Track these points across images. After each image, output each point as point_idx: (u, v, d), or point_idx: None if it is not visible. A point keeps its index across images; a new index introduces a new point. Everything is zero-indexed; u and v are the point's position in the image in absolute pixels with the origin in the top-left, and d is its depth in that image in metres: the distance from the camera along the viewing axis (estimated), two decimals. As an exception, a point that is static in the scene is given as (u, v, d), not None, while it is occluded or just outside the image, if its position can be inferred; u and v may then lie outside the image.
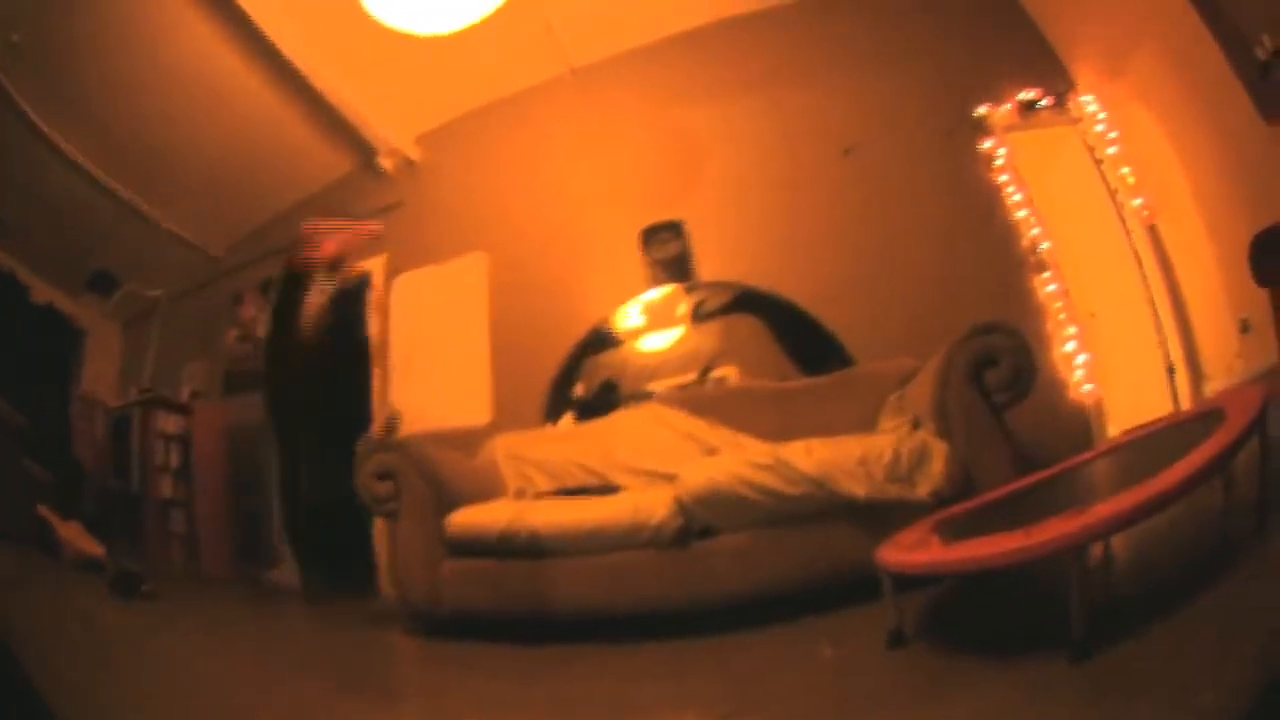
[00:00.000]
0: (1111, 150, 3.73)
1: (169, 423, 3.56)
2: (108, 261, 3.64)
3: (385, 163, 3.43)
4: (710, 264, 3.18)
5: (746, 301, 3.03)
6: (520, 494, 2.66)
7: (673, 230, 3.13)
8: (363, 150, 3.40)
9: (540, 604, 2.32)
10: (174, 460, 3.53)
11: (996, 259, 3.33)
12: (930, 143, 3.39)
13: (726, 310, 3.01)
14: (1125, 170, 3.70)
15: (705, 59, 3.42)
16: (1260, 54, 2.92)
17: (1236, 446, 1.61)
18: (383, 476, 2.58)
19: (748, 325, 2.99)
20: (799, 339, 2.97)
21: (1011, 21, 3.76)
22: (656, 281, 3.13)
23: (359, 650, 2.63)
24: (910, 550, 1.77)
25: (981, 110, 3.57)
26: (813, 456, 2.17)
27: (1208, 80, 3.20)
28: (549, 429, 3.08)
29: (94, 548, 2.97)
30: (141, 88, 3.20)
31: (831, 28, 3.60)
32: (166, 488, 3.48)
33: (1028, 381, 2.29)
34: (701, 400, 2.82)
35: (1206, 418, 1.88)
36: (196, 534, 3.45)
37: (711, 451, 2.56)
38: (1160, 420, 2.25)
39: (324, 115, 3.27)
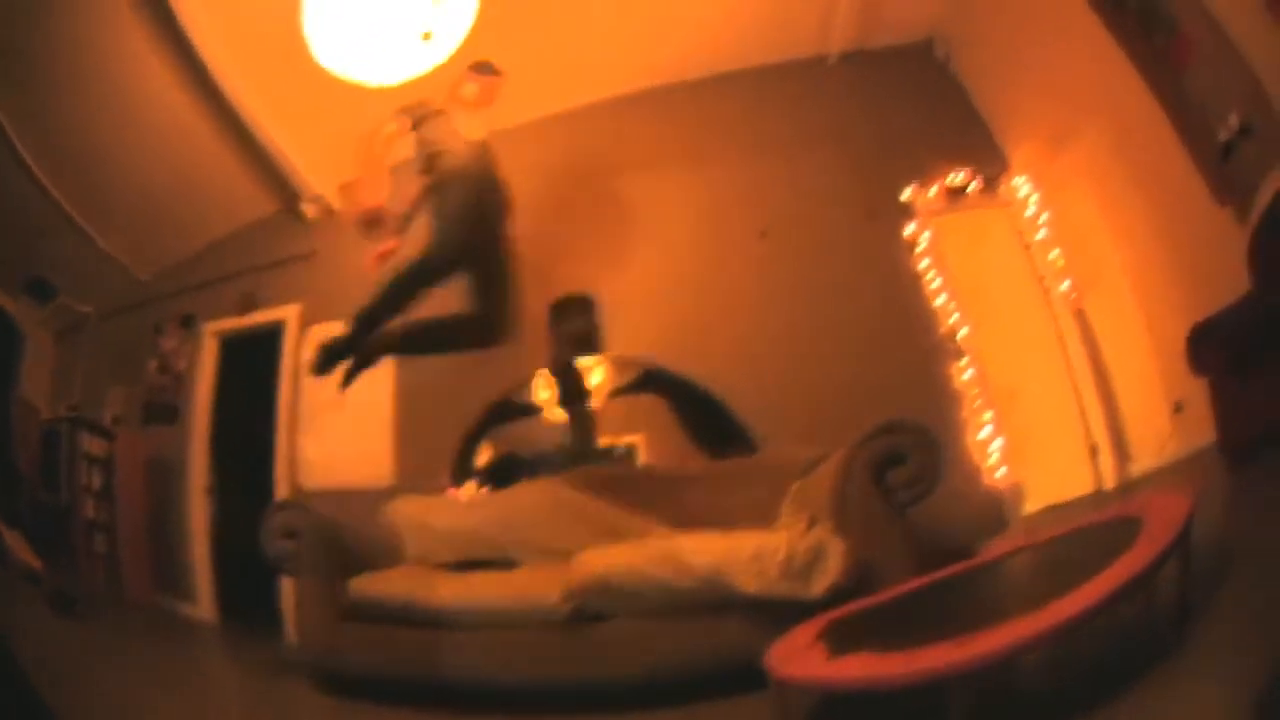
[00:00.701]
0: (1041, 234, 3.73)
1: (93, 444, 3.52)
2: (46, 269, 3.58)
3: (308, 209, 3.40)
4: (620, 339, 3.15)
5: (654, 380, 3.00)
6: (420, 561, 2.62)
7: (583, 305, 3.09)
8: (288, 194, 3.37)
9: (436, 672, 2.30)
10: (96, 482, 3.48)
11: (912, 346, 3.30)
12: (852, 226, 3.37)
13: (634, 388, 2.98)
14: (1055, 253, 3.70)
15: (631, 127, 3.39)
16: (1223, 134, 2.93)
17: (1156, 566, 1.57)
18: (286, 534, 2.55)
19: (654, 405, 2.96)
20: (705, 422, 2.95)
21: (948, 101, 3.82)
22: (565, 355, 3.09)
23: (258, 698, 2.63)
24: (797, 657, 1.75)
25: (907, 193, 3.57)
26: (705, 551, 2.14)
27: (1156, 161, 3.20)
28: (451, 495, 3.04)
29: (33, 560, 2.94)
30: (86, 101, 3.15)
31: (761, 105, 3.58)
32: (90, 508, 3.44)
33: (932, 480, 2.25)
34: (603, 480, 2.76)
35: (1123, 525, 1.84)
36: (118, 557, 3.41)
37: (609, 533, 2.50)
38: (1075, 521, 2.22)
39: (255, 154, 3.23)
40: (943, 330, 3.30)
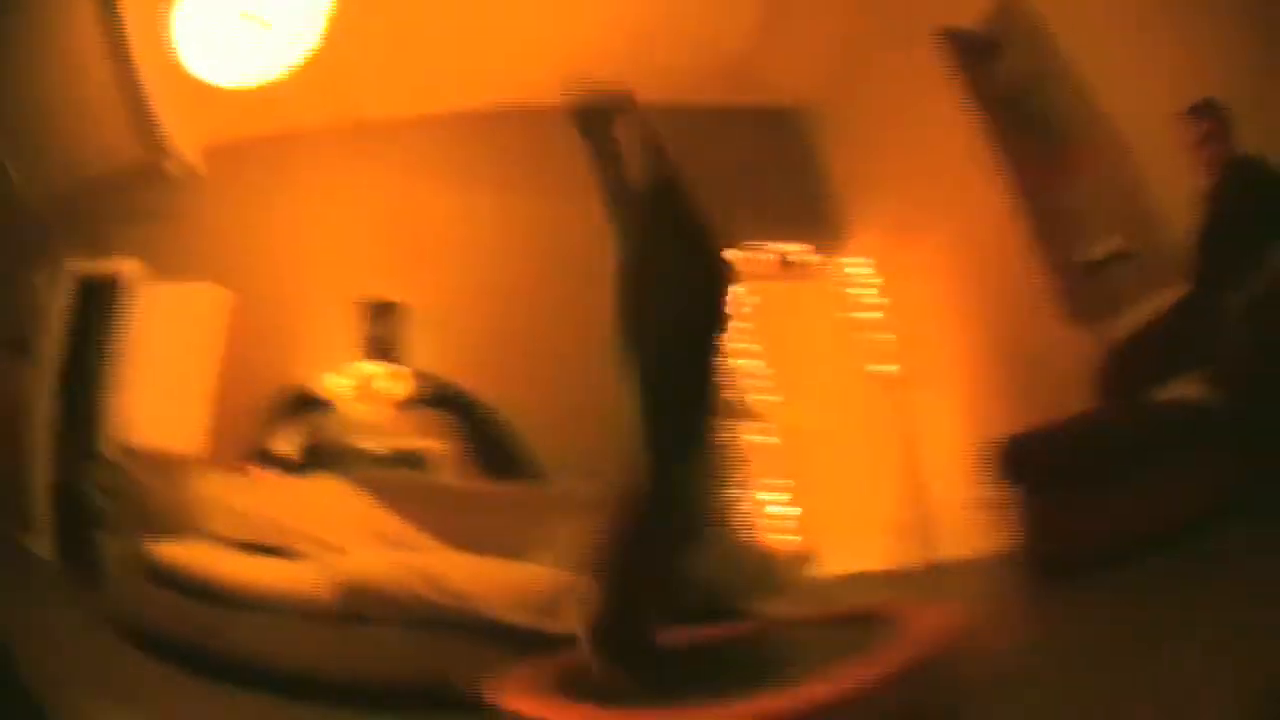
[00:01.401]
0: (873, 316, 3.77)
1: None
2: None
3: (171, 165, 3.33)
4: (420, 352, 3.19)
5: (447, 397, 3.06)
6: (218, 536, 2.67)
7: (388, 310, 3.11)
8: (157, 146, 3.26)
9: (218, 645, 2.38)
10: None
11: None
12: None
13: (427, 401, 3.02)
14: (885, 337, 3.74)
15: (463, 142, 3.37)
16: (1098, 251, 2.96)
17: (898, 677, 1.55)
18: (102, 490, 2.61)
19: (445, 420, 3.01)
20: (492, 444, 3.00)
21: (802, 169, 3.82)
22: (368, 356, 3.14)
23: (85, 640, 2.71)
24: (527, 692, 1.83)
25: (739, 255, 3.53)
26: (464, 572, 2.23)
27: (1006, 264, 3.25)
28: (252, 475, 3.08)
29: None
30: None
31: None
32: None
33: (694, 531, 2.26)
34: (388, 485, 2.82)
35: (879, 624, 1.86)
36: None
37: (383, 539, 2.58)
38: (832, 608, 2.30)
39: (140, 101, 3.14)
40: (742, 391, 3.35)
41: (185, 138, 3.17)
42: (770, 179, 3.79)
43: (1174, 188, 2.68)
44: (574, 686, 1.81)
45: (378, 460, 3.05)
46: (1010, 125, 3.23)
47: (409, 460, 3.08)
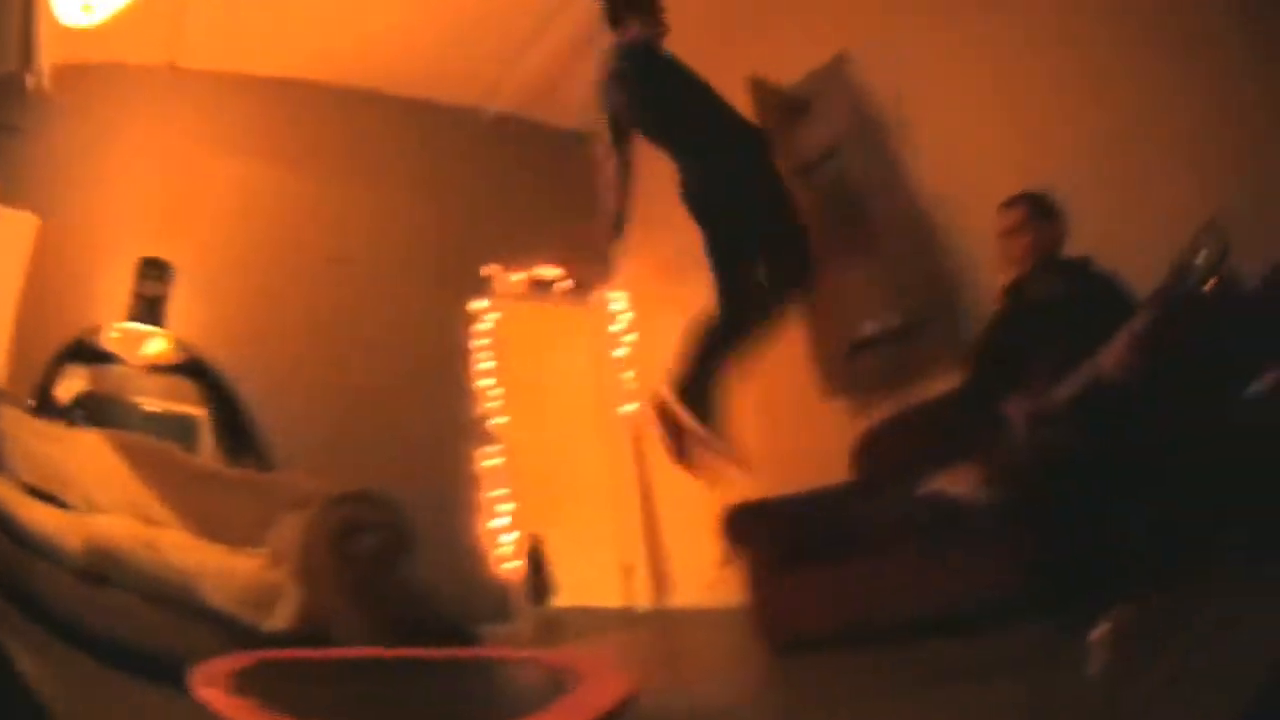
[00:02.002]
0: (621, 351, 3.75)
1: None
2: None
3: (31, 79, 3.11)
4: (183, 319, 3.08)
5: (198, 368, 3.03)
6: (10, 474, 2.64)
7: (161, 270, 3.03)
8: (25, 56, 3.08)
9: (17, 583, 2.36)
10: None
11: (445, 417, 3.33)
12: (423, 280, 3.36)
13: (179, 369, 2.97)
14: (629, 374, 3.74)
15: (270, 112, 3.29)
16: (869, 328, 2.90)
17: None
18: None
19: (193, 391, 2.98)
20: (230, 424, 2.99)
21: (579, 193, 3.59)
22: (136, 314, 3.05)
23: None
24: (213, 680, 1.94)
25: (491, 269, 3.55)
26: (186, 552, 2.34)
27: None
28: (40, 419, 3.00)
29: None
30: None
31: (402, 134, 3.50)
32: None
33: (392, 558, 2.40)
34: (142, 452, 2.77)
35: (563, 674, 1.93)
36: None
37: (129, 504, 2.58)
38: (525, 652, 2.33)
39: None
40: (481, 412, 3.35)
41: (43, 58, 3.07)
42: (543, 196, 3.73)
43: (969, 276, 2.62)
44: (250, 684, 1.91)
45: (149, 419, 3.05)
46: (804, 189, 3.05)
47: (179, 424, 3.05)
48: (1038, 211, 2.11)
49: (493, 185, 3.73)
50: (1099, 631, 1.49)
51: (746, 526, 2.66)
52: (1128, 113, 2.40)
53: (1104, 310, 1.85)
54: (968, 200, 2.37)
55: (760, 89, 3.10)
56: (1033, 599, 1.80)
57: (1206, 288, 1.57)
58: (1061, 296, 2.02)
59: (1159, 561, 1.63)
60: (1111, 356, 1.73)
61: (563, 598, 4.00)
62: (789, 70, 3.12)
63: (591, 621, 3.60)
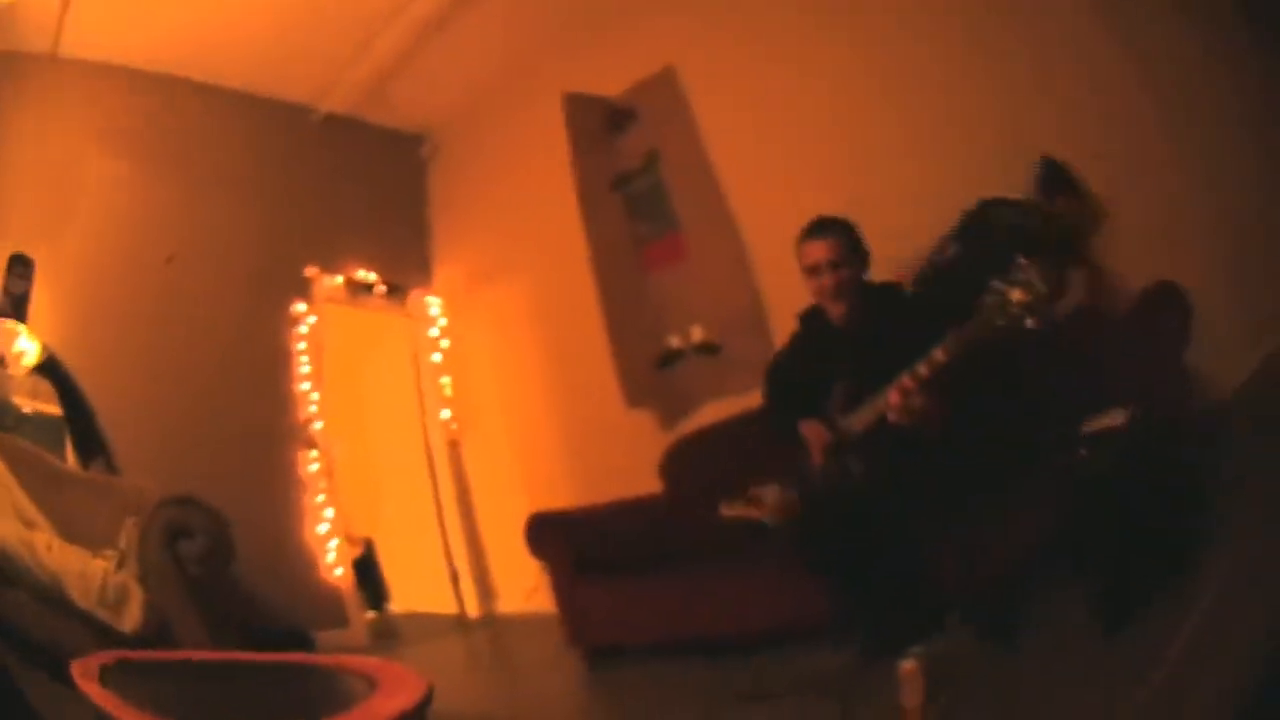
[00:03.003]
0: (436, 358, 3.77)
1: None
2: None
3: None
4: (43, 316, 2.94)
5: (50, 369, 2.89)
6: None
7: (26, 267, 3.00)
8: None
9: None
10: None
11: (276, 421, 3.33)
12: (246, 280, 3.37)
13: (41, 369, 2.96)
14: (445, 380, 3.77)
15: (136, 109, 3.22)
16: (676, 341, 2.97)
17: None
18: None
19: (48, 391, 2.98)
20: (78, 426, 2.86)
21: (403, 197, 3.85)
22: (5, 312, 2.88)
23: None
24: (84, 678, 2.00)
25: (312, 271, 3.54)
26: (54, 553, 2.31)
27: (572, 336, 3.26)
28: None
29: None
30: None
31: (226, 130, 3.46)
32: None
33: (219, 562, 2.42)
34: (16, 454, 2.66)
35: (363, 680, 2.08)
36: None
37: (15, 508, 2.51)
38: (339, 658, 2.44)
39: None
40: (301, 416, 3.37)
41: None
42: (369, 199, 3.77)
43: (780, 293, 2.63)
44: (118, 683, 1.98)
45: (23, 420, 2.95)
46: (619, 199, 3.16)
47: (51, 425, 2.90)
48: (845, 245, 2.03)
49: (321, 185, 3.70)
50: (907, 665, 1.53)
51: (547, 536, 2.66)
52: (938, 133, 2.50)
53: (910, 337, 1.79)
54: (781, 218, 2.24)
55: (574, 104, 3.15)
56: (830, 624, 1.87)
57: (1029, 324, 1.55)
58: (866, 323, 2.00)
59: (959, 594, 1.69)
60: (890, 398, 1.72)
61: (397, 603, 4.08)
62: (619, 83, 3.17)
63: (423, 627, 3.65)
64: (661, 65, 3.07)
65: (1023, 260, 1.59)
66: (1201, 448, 1.78)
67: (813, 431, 2.00)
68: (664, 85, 3.04)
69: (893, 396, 1.75)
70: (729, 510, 2.15)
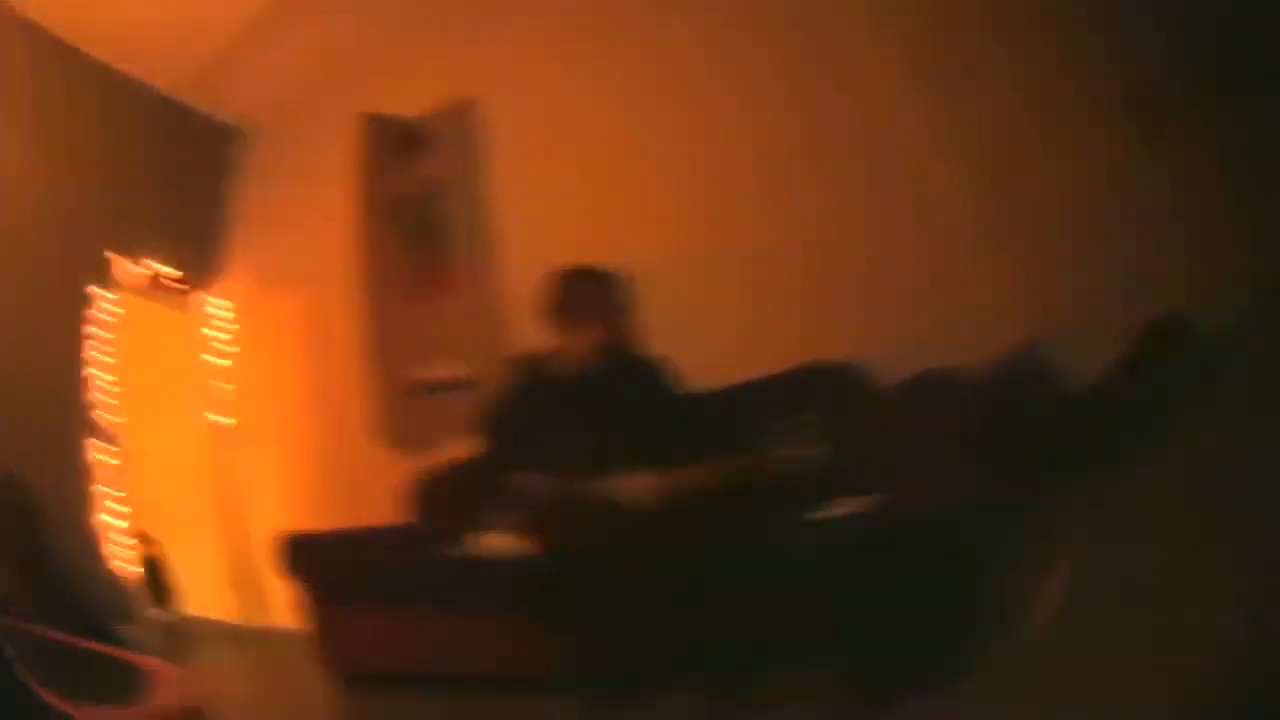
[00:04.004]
0: (223, 363, 3.67)
1: None
2: None
3: None
4: None
5: None
6: None
7: None
8: None
9: None
10: None
11: (61, 405, 3.21)
12: (50, 261, 3.19)
13: None
14: (227, 384, 3.67)
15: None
16: (437, 372, 2.93)
17: None
18: None
19: None
20: None
21: (211, 193, 3.67)
22: None
23: None
24: None
25: (114, 257, 3.42)
26: None
27: (342, 365, 3.22)
28: None
29: None
30: None
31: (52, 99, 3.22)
32: None
33: (34, 538, 2.44)
34: None
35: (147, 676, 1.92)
36: None
37: None
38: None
39: None
40: (96, 405, 3.27)
41: None
42: (178, 189, 3.62)
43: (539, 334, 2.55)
44: None
45: None
46: (399, 224, 3.13)
47: None
48: (610, 296, 2.05)
49: (136, 166, 3.49)
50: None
51: (296, 557, 2.61)
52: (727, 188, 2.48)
53: (629, 394, 1.86)
54: (553, 263, 2.24)
55: (374, 123, 3.14)
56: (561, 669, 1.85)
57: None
58: (585, 376, 2.00)
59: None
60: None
61: (183, 605, 3.76)
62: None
63: (206, 632, 3.52)
64: (465, 94, 3.01)
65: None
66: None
67: (527, 482, 1.95)
68: (460, 115, 2.99)
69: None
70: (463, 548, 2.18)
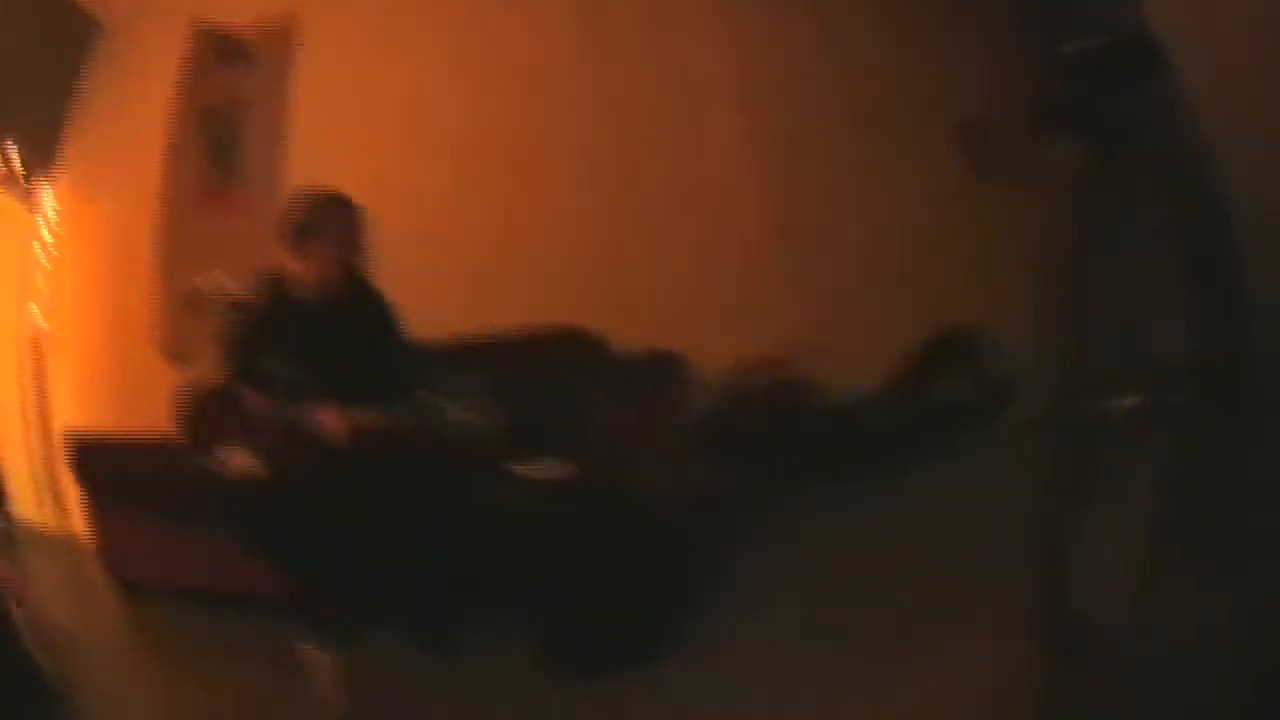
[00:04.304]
0: (42, 254, 3.72)
1: None
2: None
3: None
4: None
5: None
6: None
7: None
8: None
9: None
10: None
11: None
12: None
13: None
14: (43, 280, 3.75)
15: None
16: (205, 286, 3.07)
17: None
18: None
19: None
20: None
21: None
22: None
23: None
24: None
25: None
26: None
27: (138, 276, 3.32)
28: None
29: None
30: None
31: None
32: None
33: None
34: None
35: None
36: None
37: None
38: None
39: None
40: None
41: None
42: (34, 79, 3.51)
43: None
44: None
45: None
46: (202, 137, 3.16)
47: None
48: (359, 224, 2.15)
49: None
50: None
51: (79, 462, 2.70)
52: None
53: (348, 327, 2.05)
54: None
55: (199, 31, 3.06)
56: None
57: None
58: (310, 304, 2.17)
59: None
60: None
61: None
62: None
63: (25, 536, 3.55)
64: (290, 10, 2.93)
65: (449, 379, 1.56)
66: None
67: (254, 405, 2.02)
68: (280, 31, 2.94)
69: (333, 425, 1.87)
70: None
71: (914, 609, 1.60)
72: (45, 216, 3.79)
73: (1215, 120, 1.91)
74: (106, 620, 2.66)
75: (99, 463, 2.77)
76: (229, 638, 2.26)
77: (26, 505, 3.73)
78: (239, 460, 2.16)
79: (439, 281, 2.33)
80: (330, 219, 2.20)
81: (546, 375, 2.00)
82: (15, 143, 3.68)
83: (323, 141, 2.96)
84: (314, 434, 1.96)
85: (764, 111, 2.02)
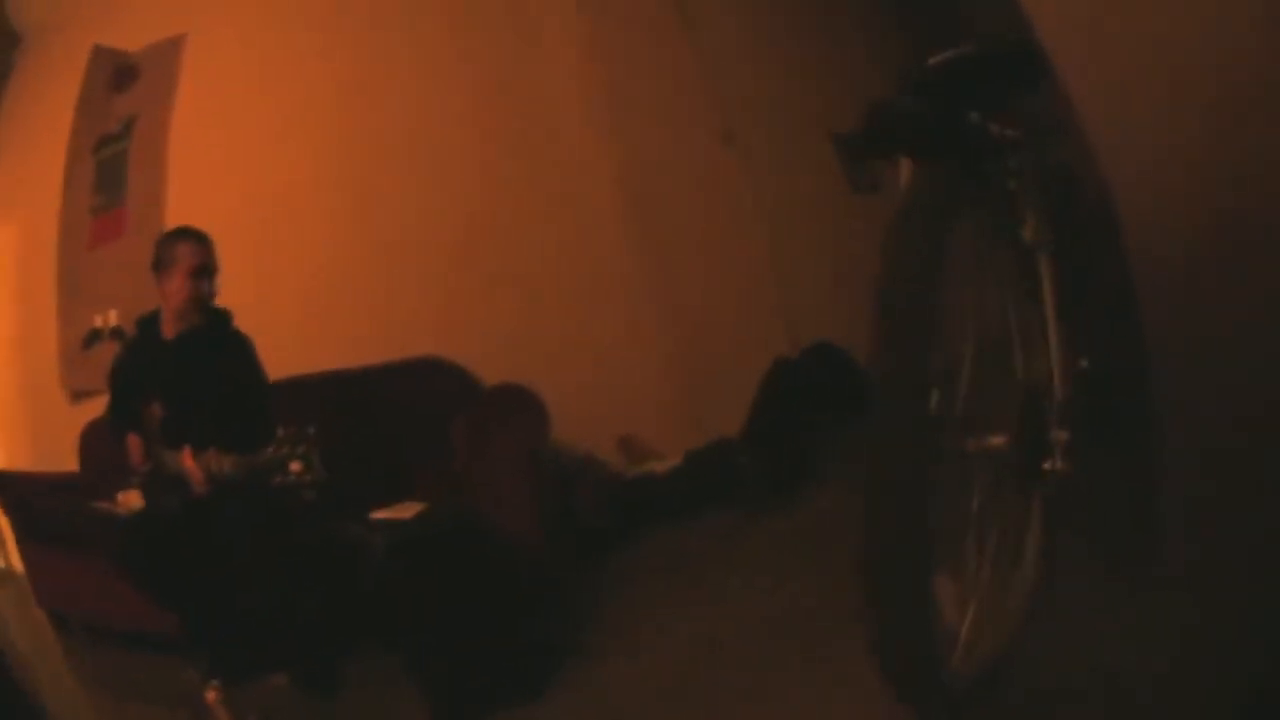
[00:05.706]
0: None
1: None
2: None
3: None
4: None
5: None
6: None
7: None
8: None
9: None
10: None
11: None
12: None
13: None
14: None
15: None
16: (98, 321, 2.94)
17: None
18: None
19: None
20: None
21: None
22: None
23: None
24: None
25: None
26: None
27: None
28: None
29: None
30: None
31: None
32: None
33: None
34: None
35: None
36: None
37: None
38: None
39: None
40: None
41: None
42: None
43: None
44: None
45: None
46: (93, 162, 3.04)
47: None
48: (213, 256, 1.98)
49: None
50: (210, 694, 1.64)
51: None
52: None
53: (198, 365, 1.87)
54: (223, 219, 2.10)
55: (96, 54, 2.98)
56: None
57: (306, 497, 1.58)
58: (196, 346, 1.96)
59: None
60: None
61: None
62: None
63: None
64: (176, 30, 2.87)
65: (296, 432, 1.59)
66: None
67: (135, 448, 1.97)
68: (168, 51, 2.75)
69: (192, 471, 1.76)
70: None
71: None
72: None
73: (1101, 132, 1.81)
74: (49, 650, 2.66)
75: (15, 497, 2.74)
76: (146, 673, 2.24)
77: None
78: (132, 500, 2.13)
79: (297, 315, 2.24)
80: (179, 252, 2.14)
81: (406, 408, 1.93)
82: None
83: (204, 164, 2.81)
84: (179, 477, 1.94)
85: (632, 132, 1.92)
